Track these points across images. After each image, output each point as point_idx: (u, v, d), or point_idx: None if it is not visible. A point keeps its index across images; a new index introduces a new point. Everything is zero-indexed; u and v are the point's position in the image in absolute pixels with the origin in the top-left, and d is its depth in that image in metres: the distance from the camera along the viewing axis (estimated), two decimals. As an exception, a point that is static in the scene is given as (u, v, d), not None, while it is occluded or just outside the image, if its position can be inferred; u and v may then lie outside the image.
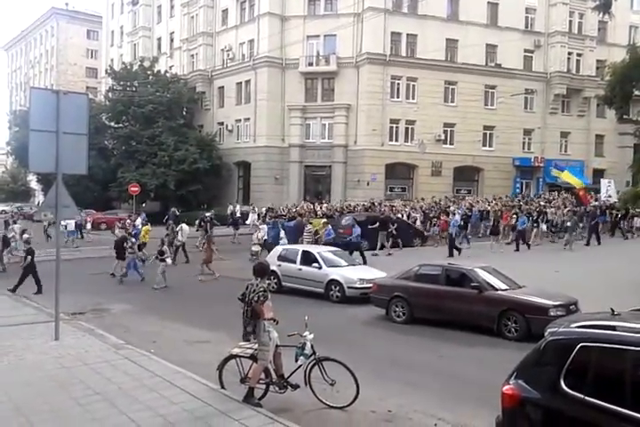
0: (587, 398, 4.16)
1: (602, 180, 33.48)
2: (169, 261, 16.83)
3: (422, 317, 11.88)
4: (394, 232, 22.84)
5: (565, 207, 27.25)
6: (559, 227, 25.15)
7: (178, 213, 29.37)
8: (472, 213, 27.70)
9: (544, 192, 36.45)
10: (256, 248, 19.88)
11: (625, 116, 19.43)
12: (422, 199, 32.20)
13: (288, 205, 32.14)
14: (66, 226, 25.75)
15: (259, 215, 31.64)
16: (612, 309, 4.97)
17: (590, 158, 41.53)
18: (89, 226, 32.31)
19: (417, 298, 11.97)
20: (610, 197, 30.75)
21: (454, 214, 24.94)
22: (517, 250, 22.10)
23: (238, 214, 31.80)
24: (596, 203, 29.20)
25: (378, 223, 22.92)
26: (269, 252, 18.31)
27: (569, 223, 21.98)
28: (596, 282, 14.87)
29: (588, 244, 23.36)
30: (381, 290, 12.81)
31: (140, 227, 24.34)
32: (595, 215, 24.72)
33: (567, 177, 31.40)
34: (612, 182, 32.26)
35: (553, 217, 26.27)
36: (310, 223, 22.98)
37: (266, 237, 22.00)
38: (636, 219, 26.17)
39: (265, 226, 23.39)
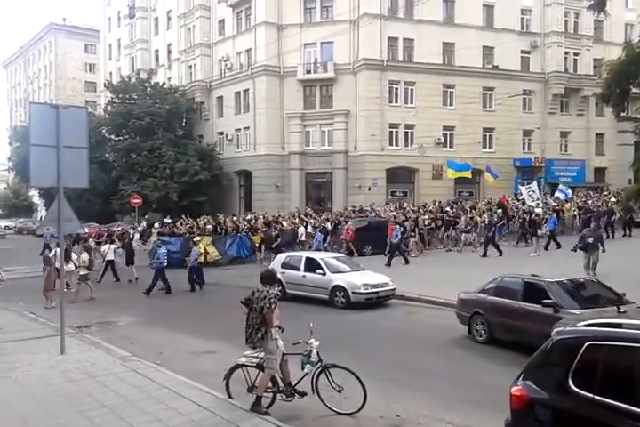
0: (596, 397, 4.13)
1: (520, 187, 29.57)
2: None
3: (501, 338, 10.35)
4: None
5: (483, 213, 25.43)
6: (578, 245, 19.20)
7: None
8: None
9: (456, 200, 33.87)
10: (84, 271, 17.11)
11: (623, 114, 19.27)
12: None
13: (184, 220, 29.26)
14: None
15: (141, 233, 29.74)
16: (617, 306, 4.95)
17: (591, 157, 41.49)
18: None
19: (494, 315, 10.44)
20: (537, 200, 27.07)
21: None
22: (407, 263, 20.94)
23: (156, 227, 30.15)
24: (523, 208, 26.67)
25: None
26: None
27: (590, 240, 16.23)
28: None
29: (484, 255, 21.73)
30: (463, 305, 11.47)
31: None
32: (491, 224, 22.91)
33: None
34: (533, 185, 28.23)
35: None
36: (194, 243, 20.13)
37: (111, 258, 20.30)
38: (544, 227, 23.50)
39: (108, 247, 21.03)
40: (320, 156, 36.97)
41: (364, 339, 11.17)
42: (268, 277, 7.14)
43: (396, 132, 36.24)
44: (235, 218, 29.47)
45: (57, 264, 15.49)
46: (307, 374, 6.97)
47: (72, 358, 9.46)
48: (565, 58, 39.81)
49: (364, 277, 14.98)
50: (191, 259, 18.61)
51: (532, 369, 4.76)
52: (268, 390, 6.95)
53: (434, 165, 36.39)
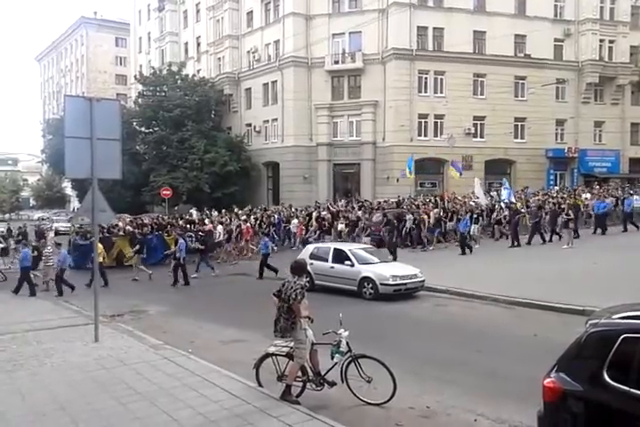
0: (632, 390, 4.06)
1: (475, 179, 28.08)
2: None
3: None
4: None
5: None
6: None
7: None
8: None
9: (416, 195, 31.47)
10: None
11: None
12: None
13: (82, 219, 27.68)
14: None
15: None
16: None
17: (626, 147, 40.50)
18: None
19: None
20: (478, 198, 26.01)
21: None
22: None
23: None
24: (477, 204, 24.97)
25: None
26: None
27: None
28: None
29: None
30: None
31: None
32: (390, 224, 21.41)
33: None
34: (477, 182, 27.04)
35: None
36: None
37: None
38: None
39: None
40: (348, 147, 36.88)
41: (392, 330, 11.14)
42: (298, 268, 7.14)
43: (425, 122, 35.92)
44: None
45: None
46: (336, 363, 6.99)
47: (106, 345, 9.68)
48: (600, 45, 38.80)
49: (392, 268, 14.93)
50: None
51: (565, 361, 4.69)
52: (298, 379, 7.00)
53: (464, 156, 35.95)
